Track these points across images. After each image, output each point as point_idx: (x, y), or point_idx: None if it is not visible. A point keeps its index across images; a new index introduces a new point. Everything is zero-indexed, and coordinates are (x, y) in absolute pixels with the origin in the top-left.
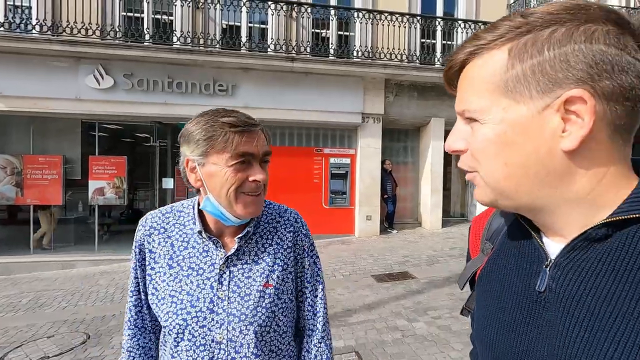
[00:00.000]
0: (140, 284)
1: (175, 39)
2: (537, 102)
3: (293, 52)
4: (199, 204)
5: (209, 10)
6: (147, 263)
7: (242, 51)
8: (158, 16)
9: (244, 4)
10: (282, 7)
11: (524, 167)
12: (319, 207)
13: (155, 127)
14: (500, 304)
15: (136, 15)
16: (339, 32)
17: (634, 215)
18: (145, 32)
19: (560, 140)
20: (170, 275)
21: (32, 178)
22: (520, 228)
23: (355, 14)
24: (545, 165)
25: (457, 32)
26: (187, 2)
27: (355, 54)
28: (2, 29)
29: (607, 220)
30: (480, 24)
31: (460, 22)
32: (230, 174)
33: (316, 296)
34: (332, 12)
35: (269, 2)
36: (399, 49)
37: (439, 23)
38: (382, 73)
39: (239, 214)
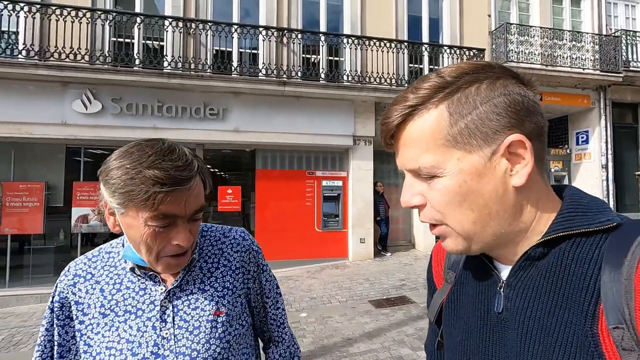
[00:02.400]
0: (59, 348)
1: (166, 63)
2: (485, 149)
3: (284, 76)
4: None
5: (200, 36)
6: (74, 317)
7: (233, 76)
8: (148, 42)
9: (235, 30)
10: (272, 33)
11: (487, 208)
12: (311, 231)
13: None
14: (467, 330)
15: (126, 40)
16: (329, 57)
17: (563, 233)
18: (136, 57)
19: (510, 178)
20: (105, 324)
21: (11, 206)
22: (474, 256)
23: (345, 40)
24: (503, 202)
25: (442, 57)
26: (179, 28)
27: (345, 78)
28: None
29: (541, 240)
30: (465, 49)
31: (445, 47)
32: (149, 236)
33: (278, 308)
34: (322, 38)
35: (260, 29)
36: (388, 73)
37: (426, 49)
38: (373, 96)
39: (160, 272)
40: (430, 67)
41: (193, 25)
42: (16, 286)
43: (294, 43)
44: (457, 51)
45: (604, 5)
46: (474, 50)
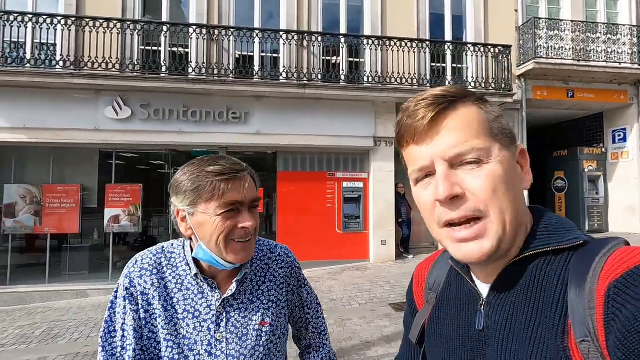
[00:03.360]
0: (135, 333)
1: (190, 69)
2: (511, 149)
3: (304, 79)
4: (191, 249)
5: (223, 42)
6: (140, 306)
7: (255, 80)
8: (174, 49)
9: (257, 35)
10: (293, 37)
11: (519, 204)
12: (332, 232)
13: (170, 155)
14: (450, 349)
15: (154, 48)
16: (349, 59)
17: (538, 250)
18: (162, 64)
19: (522, 181)
20: (166, 318)
21: (50, 207)
22: (456, 275)
23: (365, 41)
24: (523, 202)
25: (466, 55)
26: (203, 35)
27: (365, 79)
28: (28, 65)
29: (518, 258)
30: (490, 46)
31: (469, 45)
32: (219, 223)
33: (318, 317)
34: (342, 39)
35: (281, 33)
36: (409, 73)
37: (448, 47)
38: (394, 97)
39: (230, 261)
40: (453, 65)
41: (216, 31)
42: (55, 282)
43: (314, 46)
44: (482, 49)
45: None
46: (500, 47)
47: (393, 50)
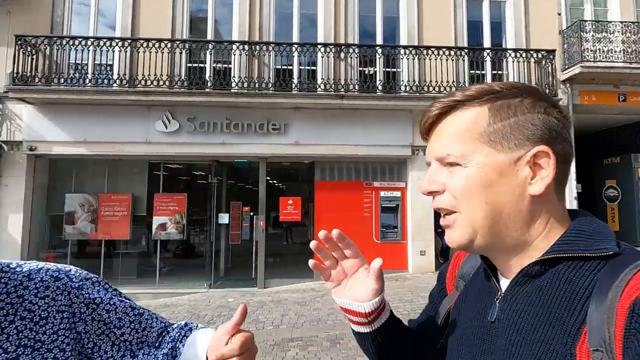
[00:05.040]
0: None
1: (233, 84)
2: (514, 153)
3: (342, 90)
4: None
5: (264, 57)
6: None
7: (293, 92)
8: (218, 65)
9: (296, 49)
10: (330, 49)
11: (499, 207)
12: (370, 242)
13: (213, 166)
14: (464, 335)
15: (200, 65)
16: (386, 69)
17: (561, 255)
18: (208, 80)
19: (529, 186)
20: None
21: (105, 215)
22: (484, 269)
23: (402, 51)
24: (516, 206)
25: (507, 62)
26: (245, 51)
27: (402, 88)
28: (89, 84)
29: (539, 258)
30: (531, 52)
31: (510, 51)
32: None
33: (138, 326)
34: (379, 50)
35: (319, 46)
36: (447, 81)
37: (488, 54)
38: None
39: None
40: (493, 72)
41: (257, 47)
42: None
43: (351, 57)
44: (523, 54)
45: None
46: (543, 52)
47: (430, 59)
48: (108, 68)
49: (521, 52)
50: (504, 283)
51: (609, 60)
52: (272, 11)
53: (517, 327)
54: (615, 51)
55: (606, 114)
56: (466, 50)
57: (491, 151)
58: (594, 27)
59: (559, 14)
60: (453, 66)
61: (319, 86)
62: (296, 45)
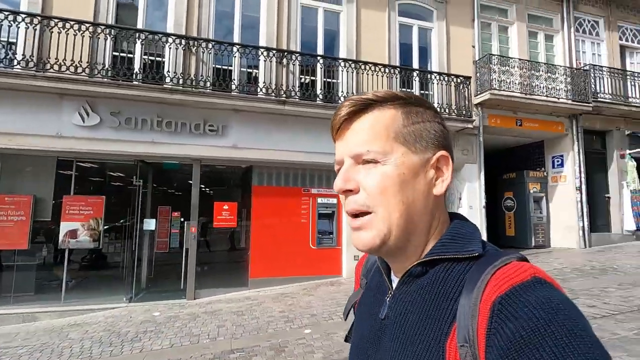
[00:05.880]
0: None
1: (168, 79)
2: (423, 154)
3: (283, 95)
4: None
5: (203, 54)
6: None
7: (233, 93)
8: (150, 57)
9: (238, 50)
10: (273, 54)
11: (412, 206)
12: (306, 248)
13: (139, 166)
14: (361, 332)
15: (129, 55)
16: (325, 79)
17: (437, 257)
18: (138, 72)
19: (434, 187)
20: None
21: None
22: (377, 267)
23: (342, 63)
24: (425, 206)
25: (432, 83)
26: (182, 46)
27: (342, 99)
28: None
29: (420, 260)
30: (452, 76)
31: (435, 74)
32: None
33: None
34: (320, 60)
35: (262, 50)
36: None
37: (417, 75)
38: None
39: None
40: (421, 92)
41: (195, 43)
42: None
43: (293, 64)
44: (446, 78)
45: (573, 41)
46: (461, 77)
47: (367, 74)
48: (8, 47)
49: (444, 75)
50: (395, 282)
51: (510, 90)
52: (212, 8)
53: (401, 325)
54: (515, 83)
55: (507, 136)
56: (398, 69)
57: (407, 151)
58: (499, 61)
59: (473, 47)
60: (387, 83)
61: (261, 90)
62: (238, 46)
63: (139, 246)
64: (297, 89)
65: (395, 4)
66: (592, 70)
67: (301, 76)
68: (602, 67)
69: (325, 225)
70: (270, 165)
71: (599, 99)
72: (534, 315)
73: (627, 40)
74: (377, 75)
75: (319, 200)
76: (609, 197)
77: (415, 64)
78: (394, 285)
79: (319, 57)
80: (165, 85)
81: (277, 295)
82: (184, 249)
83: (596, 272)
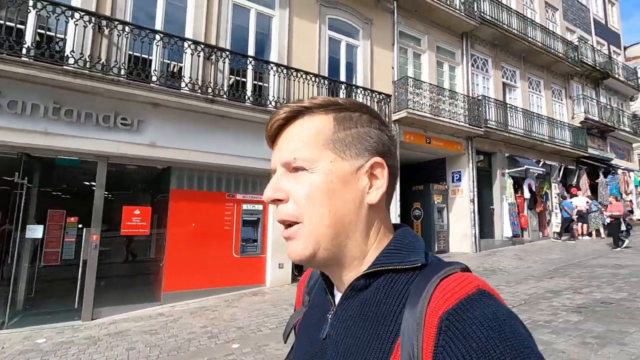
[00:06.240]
0: None
1: (71, 60)
2: (355, 161)
3: (211, 94)
4: None
5: (119, 38)
6: None
7: (153, 85)
8: (46, 32)
9: (161, 39)
10: (201, 49)
11: (343, 217)
12: (229, 256)
13: (23, 161)
14: (301, 354)
15: (18, 26)
16: (255, 82)
17: (380, 268)
18: (31, 47)
19: (367, 195)
20: None
21: None
22: (319, 282)
23: (273, 67)
24: (357, 215)
25: (358, 97)
26: (91, 25)
27: (272, 104)
28: None
29: (364, 272)
30: (376, 93)
31: (360, 89)
32: None
33: None
34: (252, 62)
35: (189, 42)
36: None
37: (345, 87)
38: None
39: None
40: None
41: (109, 24)
42: None
43: (223, 62)
44: (370, 93)
45: (470, 74)
46: (383, 95)
47: (297, 81)
48: None
49: (368, 91)
50: (338, 297)
51: (422, 110)
52: None
53: (343, 345)
54: (426, 104)
55: (418, 152)
56: (327, 81)
57: (336, 158)
58: (414, 83)
59: (393, 68)
60: (316, 91)
61: (186, 85)
62: (161, 35)
63: (18, 258)
64: (225, 88)
65: (325, 17)
66: (483, 100)
67: (231, 76)
68: (490, 98)
69: (249, 232)
70: (192, 167)
71: (488, 125)
72: (483, 335)
73: (507, 78)
74: (308, 84)
75: (244, 206)
76: (493, 209)
77: (343, 77)
78: (337, 301)
79: (250, 58)
80: (67, 68)
81: (197, 309)
82: (81, 260)
83: (488, 272)
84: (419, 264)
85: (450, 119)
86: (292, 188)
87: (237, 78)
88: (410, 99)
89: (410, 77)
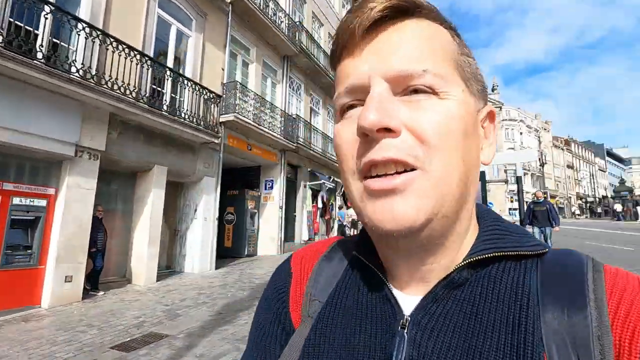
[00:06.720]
0: None
1: None
2: (478, 102)
3: None
4: None
5: None
6: None
7: None
8: None
9: None
10: None
11: (469, 170)
12: None
13: None
14: None
15: None
16: (53, 39)
17: (496, 254)
18: None
19: (481, 152)
20: None
21: None
22: (360, 277)
23: (80, 25)
24: (476, 175)
25: (185, 88)
26: None
27: (74, 70)
28: None
29: (471, 259)
30: (206, 90)
31: (191, 82)
32: None
33: None
34: (46, 9)
35: None
36: (129, 84)
37: (170, 75)
38: (110, 104)
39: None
40: (173, 95)
41: None
42: None
43: None
44: (200, 89)
45: (287, 93)
46: (214, 94)
47: (114, 52)
48: None
49: (197, 85)
50: (406, 300)
51: (247, 117)
52: None
53: None
54: (251, 112)
55: (239, 157)
56: (150, 62)
57: (466, 89)
58: (242, 89)
59: (223, 69)
60: (137, 71)
61: None
62: None
63: None
64: (4, 33)
65: None
66: (297, 119)
67: (10, 19)
68: (301, 118)
69: (20, 236)
70: None
71: (298, 142)
72: None
73: (313, 105)
74: (127, 58)
75: (15, 200)
76: (295, 215)
77: (170, 64)
78: (405, 305)
79: (48, 5)
80: None
81: None
82: None
83: None
84: (541, 251)
85: (269, 130)
86: (412, 116)
87: (23, 25)
88: (238, 104)
89: (240, 83)
